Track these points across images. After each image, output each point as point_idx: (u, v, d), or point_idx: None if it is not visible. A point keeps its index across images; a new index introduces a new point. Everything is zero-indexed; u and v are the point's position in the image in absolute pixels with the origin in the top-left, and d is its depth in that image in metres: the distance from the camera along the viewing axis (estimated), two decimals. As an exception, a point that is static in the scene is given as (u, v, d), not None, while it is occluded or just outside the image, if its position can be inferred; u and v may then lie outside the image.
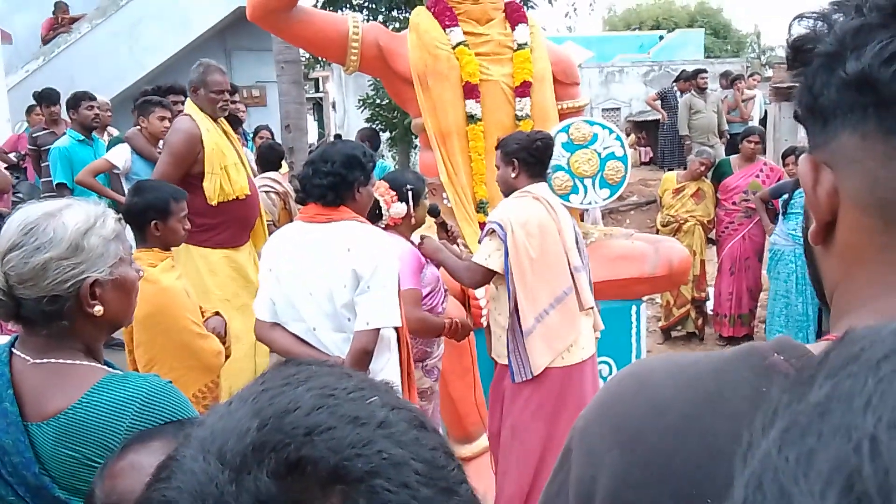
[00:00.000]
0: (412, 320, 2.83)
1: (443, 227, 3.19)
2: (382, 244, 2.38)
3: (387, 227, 2.86)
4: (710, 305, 6.07)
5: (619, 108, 17.90)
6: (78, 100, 5.28)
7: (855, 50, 0.57)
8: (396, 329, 2.50)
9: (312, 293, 2.41)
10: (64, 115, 5.84)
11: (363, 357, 2.35)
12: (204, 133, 3.83)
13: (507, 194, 3.05)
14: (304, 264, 2.41)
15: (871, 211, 0.60)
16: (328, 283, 2.37)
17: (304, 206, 2.50)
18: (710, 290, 6.09)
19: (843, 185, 0.61)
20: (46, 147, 5.70)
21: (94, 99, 5.36)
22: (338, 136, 15.01)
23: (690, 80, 9.37)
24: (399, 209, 2.86)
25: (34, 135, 6.11)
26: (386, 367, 2.47)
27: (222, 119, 4.07)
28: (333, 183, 2.40)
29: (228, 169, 3.84)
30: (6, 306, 1.30)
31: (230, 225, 3.74)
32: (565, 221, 3.01)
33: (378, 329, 2.36)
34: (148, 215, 2.50)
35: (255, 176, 4.62)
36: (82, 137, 5.23)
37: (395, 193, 2.89)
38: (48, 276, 1.27)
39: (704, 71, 9.18)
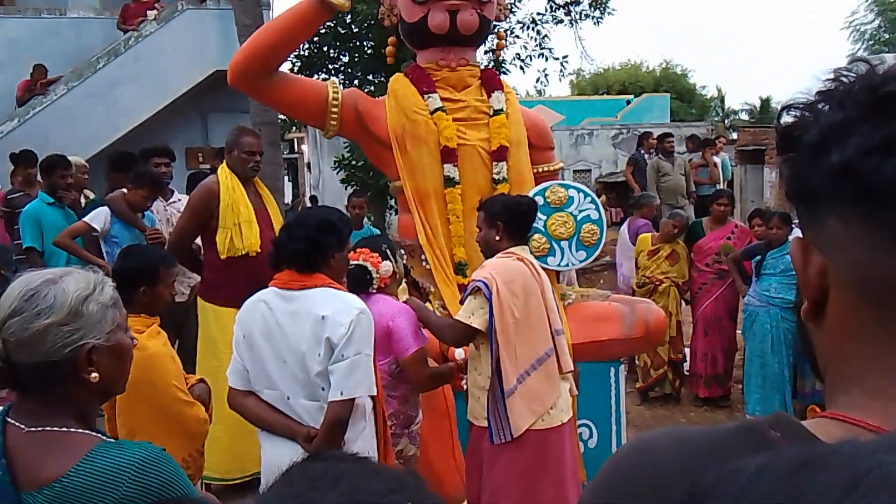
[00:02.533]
0: (424, 379, 2.86)
1: (414, 286, 3.23)
2: (357, 312, 2.35)
3: (378, 290, 2.89)
4: (686, 366, 6.11)
5: (589, 170, 18.26)
6: (53, 166, 5.25)
7: (838, 142, 0.62)
8: (372, 396, 2.48)
9: (286, 361, 2.39)
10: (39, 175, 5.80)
11: (337, 428, 2.33)
12: (222, 189, 3.97)
13: (487, 256, 3.09)
14: (277, 332, 2.40)
15: (857, 291, 0.63)
16: (302, 351, 2.35)
17: (278, 272, 2.49)
18: (687, 351, 6.14)
19: (832, 266, 0.65)
20: (20, 209, 5.64)
21: (69, 167, 5.32)
22: (313, 199, 15.06)
23: (654, 140, 9.73)
24: (387, 267, 2.90)
25: (9, 196, 6.03)
26: (361, 437, 2.45)
27: (259, 181, 4.24)
28: (307, 248, 2.40)
29: (242, 225, 3.96)
30: (3, 372, 1.31)
31: (240, 282, 3.74)
32: (547, 284, 3.04)
33: (352, 399, 2.34)
34: (137, 280, 2.49)
35: None
36: (53, 200, 5.20)
37: (376, 255, 2.93)
38: (47, 341, 1.29)
39: (671, 135, 9.44)
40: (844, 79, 0.65)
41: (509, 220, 3.02)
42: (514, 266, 2.95)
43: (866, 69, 0.65)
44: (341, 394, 2.31)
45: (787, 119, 0.68)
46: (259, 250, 3.95)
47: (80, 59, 9.97)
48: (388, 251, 2.97)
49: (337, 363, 2.31)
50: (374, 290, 2.90)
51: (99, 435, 1.35)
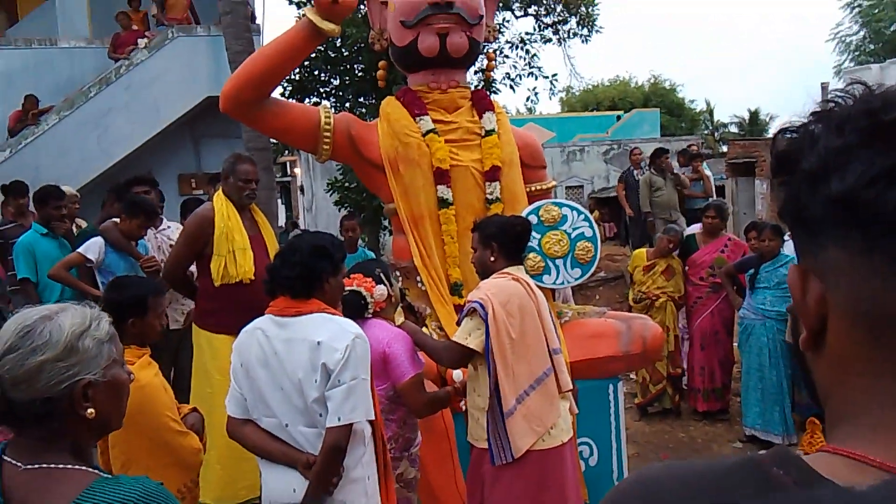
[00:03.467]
0: (421, 405, 2.85)
1: (409, 310, 3.21)
2: (353, 337, 2.34)
3: (375, 315, 2.89)
4: (685, 380, 6.10)
5: (581, 186, 18.37)
6: (46, 197, 5.24)
7: (838, 170, 0.60)
8: (371, 421, 2.46)
9: (283, 388, 2.38)
10: (32, 206, 5.78)
11: (335, 454, 2.32)
12: (217, 216, 3.98)
13: (483, 276, 3.09)
14: (274, 359, 2.39)
15: (857, 323, 0.62)
16: (298, 378, 2.34)
17: (273, 299, 2.48)
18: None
19: (831, 295, 0.63)
20: (13, 240, 5.62)
21: (63, 198, 5.31)
22: (293, 224, 15.01)
23: (638, 155, 9.93)
24: (381, 291, 2.90)
25: (1, 227, 6.02)
26: (361, 462, 2.43)
27: (255, 207, 4.25)
28: (301, 274, 2.41)
29: (236, 252, 3.97)
30: None
31: (234, 309, 3.75)
32: (543, 304, 3.04)
33: (350, 424, 2.33)
34: (126, 312, 2.48)
35: None
36: (46, 231, 5.18)
37: (370, 279, 2.93)
38: (42, 377, 1.29)
39: (666, 151, 9.47)
40: (841, 101, 0.64)
41: (504, 241, 3.03)
42: (510, 286, 2.95)
43: (863, 91, 0.63)
44: (339, 419, 2.29)
45: (782, 141, 0.67)
46: (253, 277, 3.95)
47: (72, 89, 10.00)
48: (381, 275, 2.97)
49: (333, 389, 2.30)
50: (370, 315, 2.89)
51: (96, 471, 1.34)
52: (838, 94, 0.65)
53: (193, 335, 4.16)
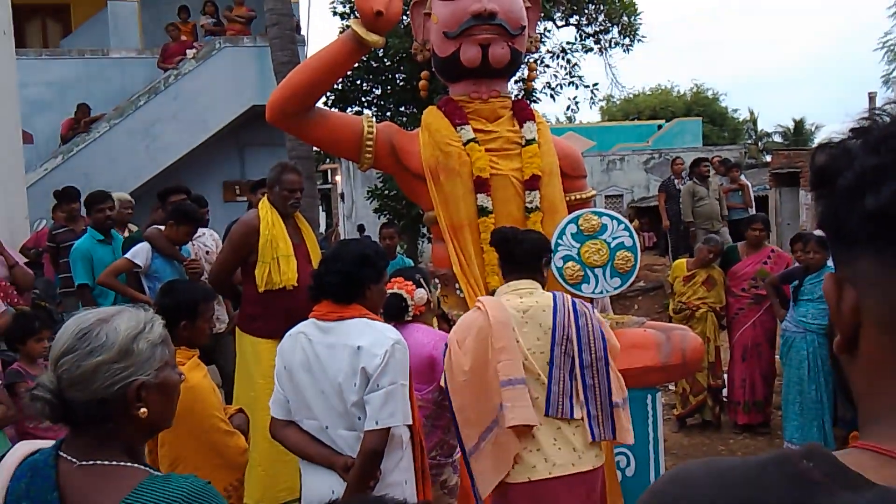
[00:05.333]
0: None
1: (443, 319, 3.23)
2: (392, 342, 2.39)
3: (414, 319, 2.92)
4: (725, 392, 6.02)
5: (621, 195, 18.25)
6: (91, 202, 5.40)
7: (873, 187, 0.64)
8: (410, 427, 2.49)
9: (324, 391, 2.43)
10: (84, 211, 5.97)
11: (373, 458, 2.35)
12: (262, 224, 4.08)
13: None
14: (316, 363, 2.44)
15: (889, 330, 0.65)
16: (339, 382, 2.39)
17: (316, 304, 2.54)
18: (726, 377, 6.04)
19: (865, 303, 0.67)
20: (65, 244, 5.80)
21: (107, 200, 5.44)
22: (360, 227, 15.18)
23: (680, 165, 9.79)
24: (421, 294, 2.94)
25: (53, 231, 6.22)
26: (398, 467, 2.46)
27: (299, 216, 4.35)
28: (344, 281, 2.46)
29: (280, 259, 4.06)
30: (56, 409, 1.36)
31: (277, 315, 3.85)
32: (507, 332, 2.66)
33: (388, 428, 2.36)
34: (178, 316, 2.57)
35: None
36: (102, 237, 5.33)
37: (411, 283, 2.97)
38: (98, 378, 1.34)
39: (706, 160, 9.37)
40: (879, 119, 0.67)
41: (501, 254, 2.91)
42: (468, 319, 2.74)
43: None
44: (376, 423, 2.33)
45: (822, 156, 0.70)
46: (296, 284, 4.03)
47: (122, 98, 10.28)
48: (421, 280, 3.01)
49: (372, 393, 2.34)
50: (410, 319, 2.92)
51: (147, 468, 1.40)
52: (876, 111, 0.68)
53: (237, 340, 4.25)
